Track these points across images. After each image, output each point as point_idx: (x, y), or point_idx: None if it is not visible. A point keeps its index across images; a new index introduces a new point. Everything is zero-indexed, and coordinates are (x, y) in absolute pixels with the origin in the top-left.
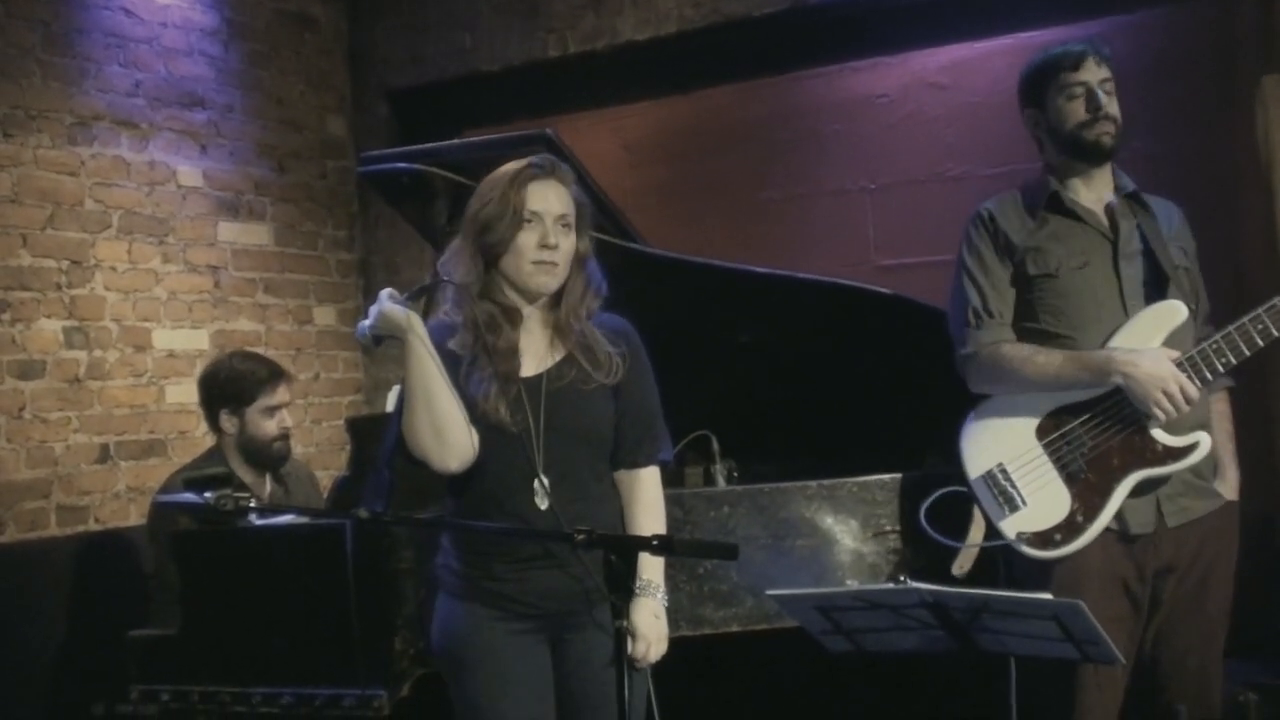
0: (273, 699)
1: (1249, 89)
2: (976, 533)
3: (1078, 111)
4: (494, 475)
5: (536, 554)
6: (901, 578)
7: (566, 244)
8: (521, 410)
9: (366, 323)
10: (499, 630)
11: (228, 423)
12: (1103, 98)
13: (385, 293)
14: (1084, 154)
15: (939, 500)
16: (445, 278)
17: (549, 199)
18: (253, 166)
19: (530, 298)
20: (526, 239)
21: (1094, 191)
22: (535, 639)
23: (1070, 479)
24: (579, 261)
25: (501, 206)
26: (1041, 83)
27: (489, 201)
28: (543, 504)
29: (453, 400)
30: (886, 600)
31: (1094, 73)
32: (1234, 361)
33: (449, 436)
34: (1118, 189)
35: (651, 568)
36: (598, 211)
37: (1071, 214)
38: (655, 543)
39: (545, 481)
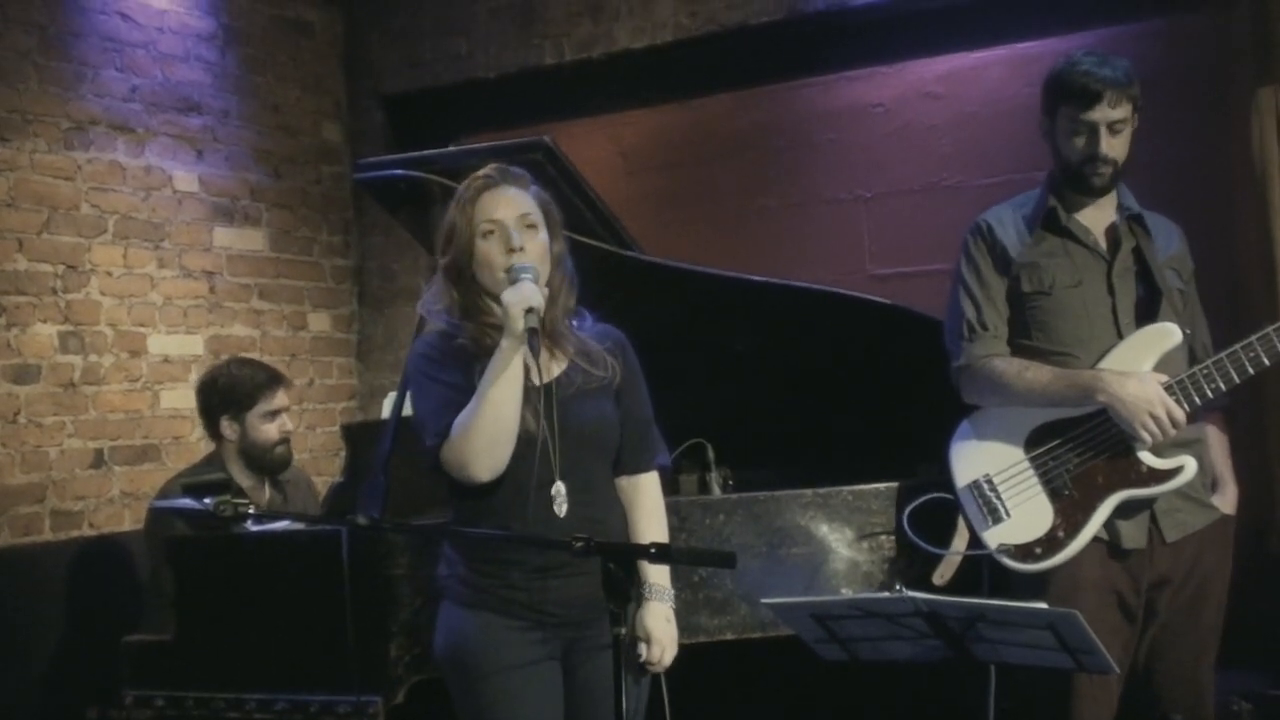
0: (267, 705)
1: (1244, 100)
2: (959, 542)
3: (1077, 150)
4: (511, 483)
5: (556, 562)
6: (897, 586)
7: (534, 243)
8: (536, 418)
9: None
10: (514, 640)
11: (228, 429)
12: (1104, 141)
13: (533, 291)
14: (1076, 187)
15: (926, 508)
16: (422, 312)
17: (501, 204)
18: (248, 172)
19: None
20: (490, 250)
21: (1096, 210)
22: (548, 648)
23: (1054, 494)
24: (557, 262)
25: (459, 227)
26: (1055, 101)
27: (450, 225)
28: (561, 510)
29: (516, 420)
30: (881, 609)
31: (1105, 113)
32: (1224, 388)
33: (500, 452)
34: (1122, 208)
35: (659, 572)
36: (594, 219)
37: (1067, 233)
38: (654, 551)
39: (563, 487)
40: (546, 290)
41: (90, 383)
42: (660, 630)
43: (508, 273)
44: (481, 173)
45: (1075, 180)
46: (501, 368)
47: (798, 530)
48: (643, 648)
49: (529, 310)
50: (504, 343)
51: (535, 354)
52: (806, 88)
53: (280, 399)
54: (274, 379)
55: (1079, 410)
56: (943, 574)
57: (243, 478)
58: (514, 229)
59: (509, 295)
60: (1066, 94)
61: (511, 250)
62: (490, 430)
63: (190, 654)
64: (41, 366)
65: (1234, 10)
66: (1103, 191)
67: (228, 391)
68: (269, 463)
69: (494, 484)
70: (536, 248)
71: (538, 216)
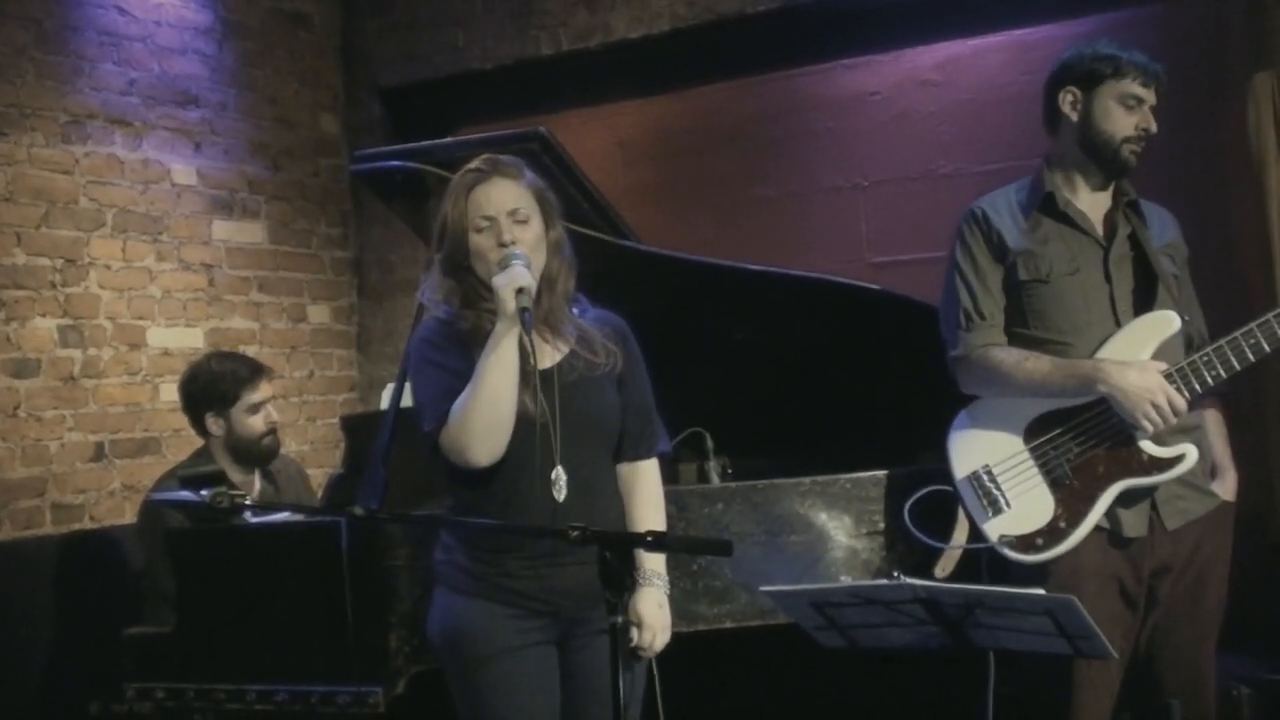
0: (268, 696)
1: (1240, 86)
2: (960, 534)
3: (1128, 125)
4: (511, 468)
5: (555, 550)
6: (895, 573)
7: (527, 235)
8: (535, 402)
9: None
10: (511, 628)
11: (214, 425)
12: (1152, 120)
13: (522, 274)
14: (1109, 163)
15: (926, 500)
16: (422, 300)
17: (493, 198)
18: (246, 164)
19: None
20: (484, 243)
21: (1095, 194)
22: (545, 636)
23: (1055, 484)
24: (554, 248)
25: (452, 220)
26: (1102, 74)
27: (443, 219)
28: (560, 495)
29: (513, 404)
30: (880, 596)
31: (1153, 95)
32: (1224, 375)
33: (497, 436)
34: (1120, 194)
35: (654, 558)
36: (591, 209)
37: (1064, 218)
38: (650, 539)
39: (563, 473)
40: (538, 274)
41: (90, 376)
42: (652, 615)
43: (499, 263)
44: (472, 165)
45: (1111, 157)
46: (495, 350)
47: (796, 518)
48: (634, 632)
49: (519, 290)
50: (498, 326)
51: (528, 330)
52: (803, 76)
53: (263, 390)
54: (255, 371)
55: (1078, 400)
56: (944, 567)
57: (232, 471)
58: (504, 225)
59: (499, 279)
60: (1121, 70)
61: (503, 245)
62: (487, 414)
63: (191, 646)
64: (41, 360)
65: None
66: (1128, 173)
67: (209, 389)
68: (257, 455)
69: (493, 469)
70: (529, 239)
71: (530, 208)
